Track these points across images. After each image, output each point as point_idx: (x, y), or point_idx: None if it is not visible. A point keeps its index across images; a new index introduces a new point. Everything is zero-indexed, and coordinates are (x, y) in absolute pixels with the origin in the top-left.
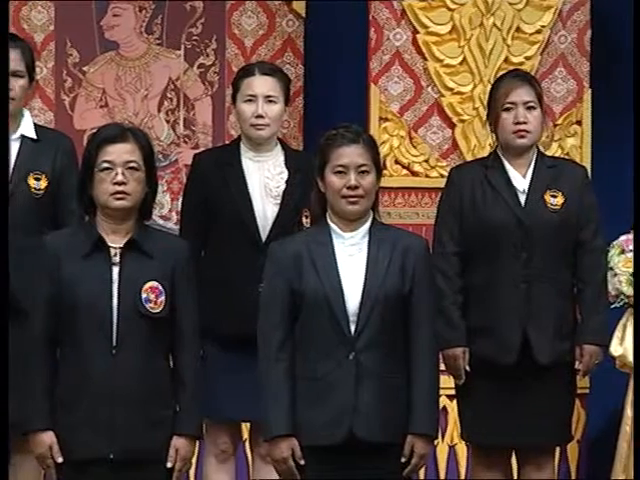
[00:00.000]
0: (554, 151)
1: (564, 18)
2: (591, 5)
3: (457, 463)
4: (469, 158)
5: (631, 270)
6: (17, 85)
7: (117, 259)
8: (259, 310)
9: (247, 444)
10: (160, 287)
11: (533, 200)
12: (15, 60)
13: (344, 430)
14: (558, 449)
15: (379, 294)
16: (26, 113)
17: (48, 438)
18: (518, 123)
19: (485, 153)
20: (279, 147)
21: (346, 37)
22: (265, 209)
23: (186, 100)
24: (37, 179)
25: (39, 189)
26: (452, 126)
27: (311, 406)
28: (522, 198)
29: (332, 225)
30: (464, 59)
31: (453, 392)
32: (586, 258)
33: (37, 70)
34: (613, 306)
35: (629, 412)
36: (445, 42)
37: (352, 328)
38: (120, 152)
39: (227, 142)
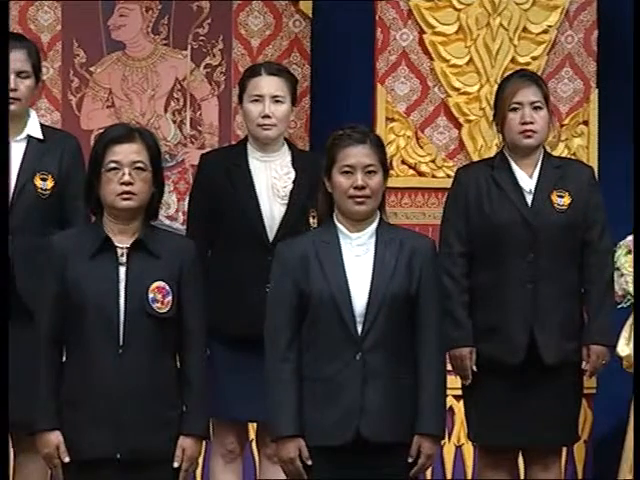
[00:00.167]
0: (561, 151)
1: (571, 18)
2: (598, 5)
3: (464, 463)
4: (476, 158)
5: None
6: (23, 85)
7: (124, 259)
8: (266, 310)
9: (254, 444)
10: (167, 287)
11: (540, 200)
12: (21, 60)
13: (351, 430)
14: (565, 449)
15: (386, 295)
16: (32, 113)
17: (55, 438)
18: (525, 123)
19: (492, 153)
20: (286, 147)
21: (353, 37)
22: (272, 209)
23: (193, 100)
24: (44, 179)
25: (45, 189)
26: (459, 126)
27: (318, 406)
28: (529, 198)
29: (339, 225)
30: (471, 59)
31: (460, 392)
32: (593, 258)
33: (44, 70)
34: (620, 306)
35: None
36: (452, 42)
37: (359, 329)
38: (127, 152)
39: (234, 142)
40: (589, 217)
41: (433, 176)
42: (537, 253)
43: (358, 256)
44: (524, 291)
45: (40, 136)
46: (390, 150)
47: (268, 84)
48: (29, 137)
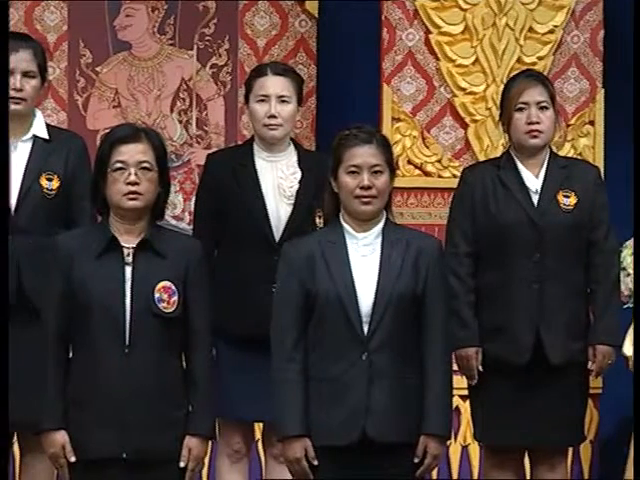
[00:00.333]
0: (567, 151)
1: (577, 18)
2: (604, 5)
3: (470, 463)
4: (482, 158)
5: None
6: (29, 85)
7: (130, 259)
8: (272, 310)
9: (260, 444)
10: (173, 287)
11: (546, 200)
12: (27, 60)
13: (357, 430)
14: (571, 449)
15: (392, 295)
16: (38, 113)
17: (61, 437)
18: (531, 123)
19: (498, 153)
20: (292, 147)
21: (359, 37)
22: (278, 209)
23: (199, 100)
24: (49, 179)
25: (51, 189)
26: (465, 126)
27: (324, 406)
28: (535, 198)
29: (345, 225)
30: (477, 59)
31: (466, 392)
32: (598, 258)
33: (50, 70)
34: (626, 306)
35: None
36: (458, 42)
37: (365, 329)
38: (133, 152)
39: (240, 142)
40: (595, 217)
41: (439, 176)
42: (543, 253)
43: (364, 256)
44: (530, 291)
45: (46, 136)
46: (396, 150)
47: (274, 84)
48: (35, 137)
